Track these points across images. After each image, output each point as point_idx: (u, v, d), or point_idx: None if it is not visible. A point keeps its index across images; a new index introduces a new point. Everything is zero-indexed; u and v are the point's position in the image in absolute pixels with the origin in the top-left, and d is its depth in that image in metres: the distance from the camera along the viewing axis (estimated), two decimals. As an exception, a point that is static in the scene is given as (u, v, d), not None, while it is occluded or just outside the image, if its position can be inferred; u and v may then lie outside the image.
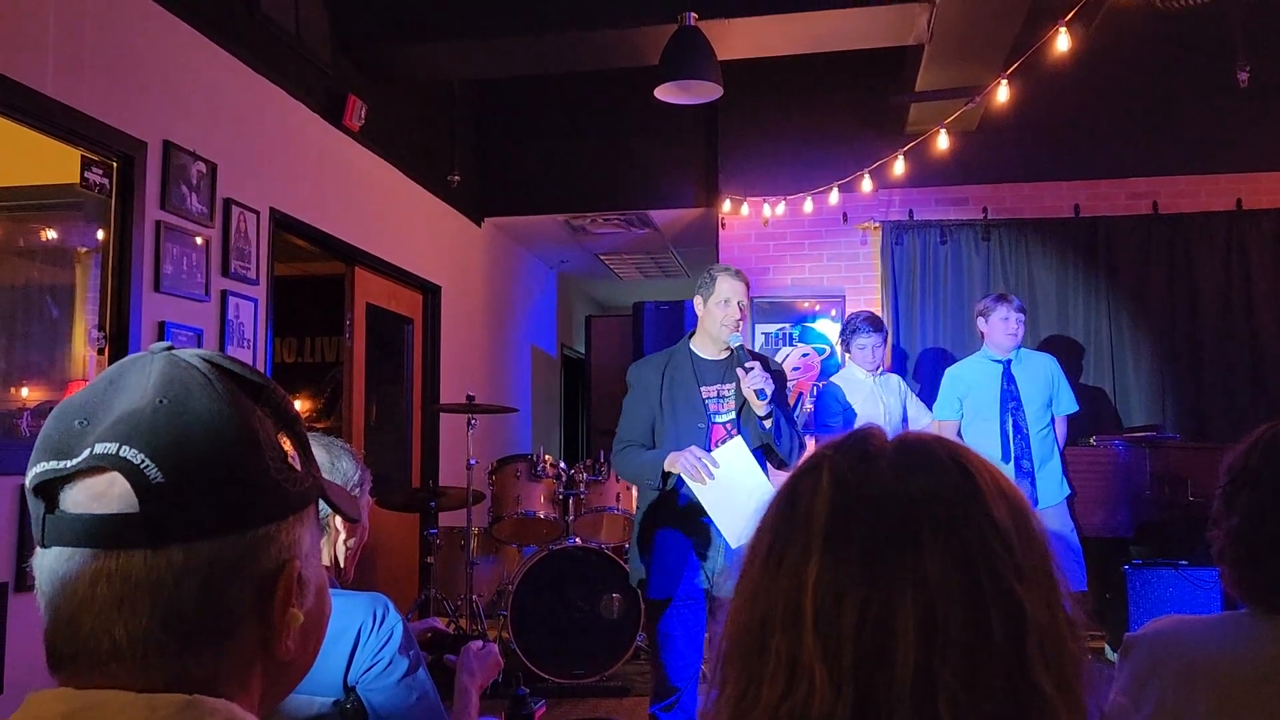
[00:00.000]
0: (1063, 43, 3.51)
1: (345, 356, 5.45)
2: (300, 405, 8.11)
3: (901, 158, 5.29)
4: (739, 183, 6.46)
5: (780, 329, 6.45)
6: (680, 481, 3.18)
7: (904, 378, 6.03)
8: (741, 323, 3.29)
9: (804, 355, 6.38)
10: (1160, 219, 5.99)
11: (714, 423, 3.25)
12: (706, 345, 3.32)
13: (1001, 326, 4.55)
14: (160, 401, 0.71)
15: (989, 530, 0.67)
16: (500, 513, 5.14)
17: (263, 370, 4.13)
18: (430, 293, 6.25)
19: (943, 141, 4.76)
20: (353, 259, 5.35)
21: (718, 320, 3.27)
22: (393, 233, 5.71)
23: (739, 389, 3.21)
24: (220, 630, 0.70)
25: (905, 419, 4.75)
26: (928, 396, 5.17)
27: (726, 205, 6.42)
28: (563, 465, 5.27)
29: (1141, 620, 4.87)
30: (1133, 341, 5.95)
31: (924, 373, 6.04)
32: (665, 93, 4.59)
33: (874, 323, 4.77)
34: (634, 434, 3.28)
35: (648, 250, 8.24)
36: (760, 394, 3.11)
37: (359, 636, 1.71)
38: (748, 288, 3.34)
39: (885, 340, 4.81)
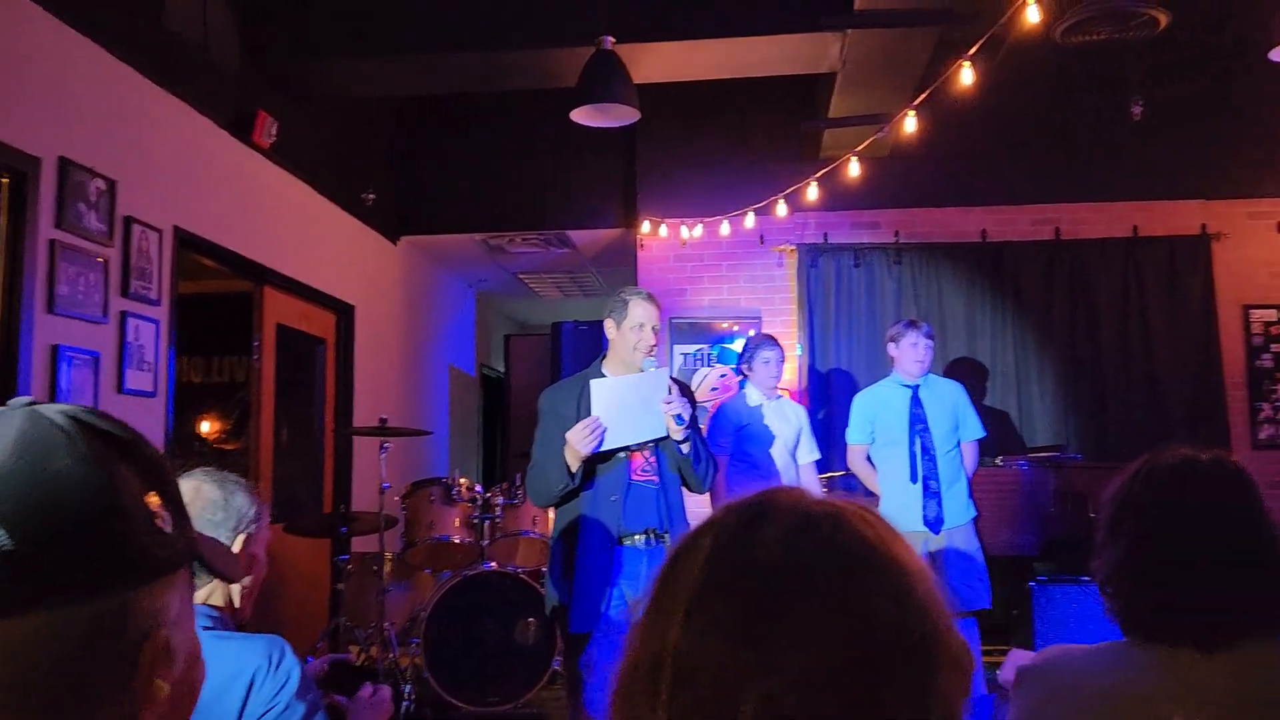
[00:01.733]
0: (966, 77, 3.62)
1: (253, 378, 5.31)
2: (208, 427, 7.86)
3: (815, 183, 5.37)
4: (657, 204, 6.49)
5: (698, 350, 6.49)
6: (594, 500, 3.18)
7: (818, 397, 6.12)
8: (655, 347, 3.28)
9: (721, 376, 6.43)
10: (1062, 244, 6.19)
11: (632, 449, 3.24)
12: (619, 369, 3.30)
13: (910, 353, 4.64)
14: (15, 461, 0.67)
15: (857, 619, 0.64)
16: (414, 538, 5.05)
17: (166, 387, 3.98)
18: (343, 312, 6.13)
19: (854, 169, 4.86)
20: (261, 278, 5.22)
21: (630, 345, 3.25)
22: (304, 251, 5.59)
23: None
24: (79, 704, 0.66)
25: (796, 451, 4.79)
26: (840, 418, 5.25)
27: (645, 226, 6.44)
28: (479, 489, 5.21)
29: (1047, 635, 5.00)
30: (1037, 363, 6.13)
31: (838, 393, 6.13)
32: (582, 115, 4.60)
33: (774, 339, 4.85)
34: (547, 457, 3.23)
35: (567, 270, 8.22)
36: (679, 419, 3.11)
37: (253, 682, 1.65)
38: (660, 310, 3.33)
39: (783, 360, 4.86)
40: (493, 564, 4.90)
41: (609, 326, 3.31)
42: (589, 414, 3.16)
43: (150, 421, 4.19)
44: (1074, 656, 1.61)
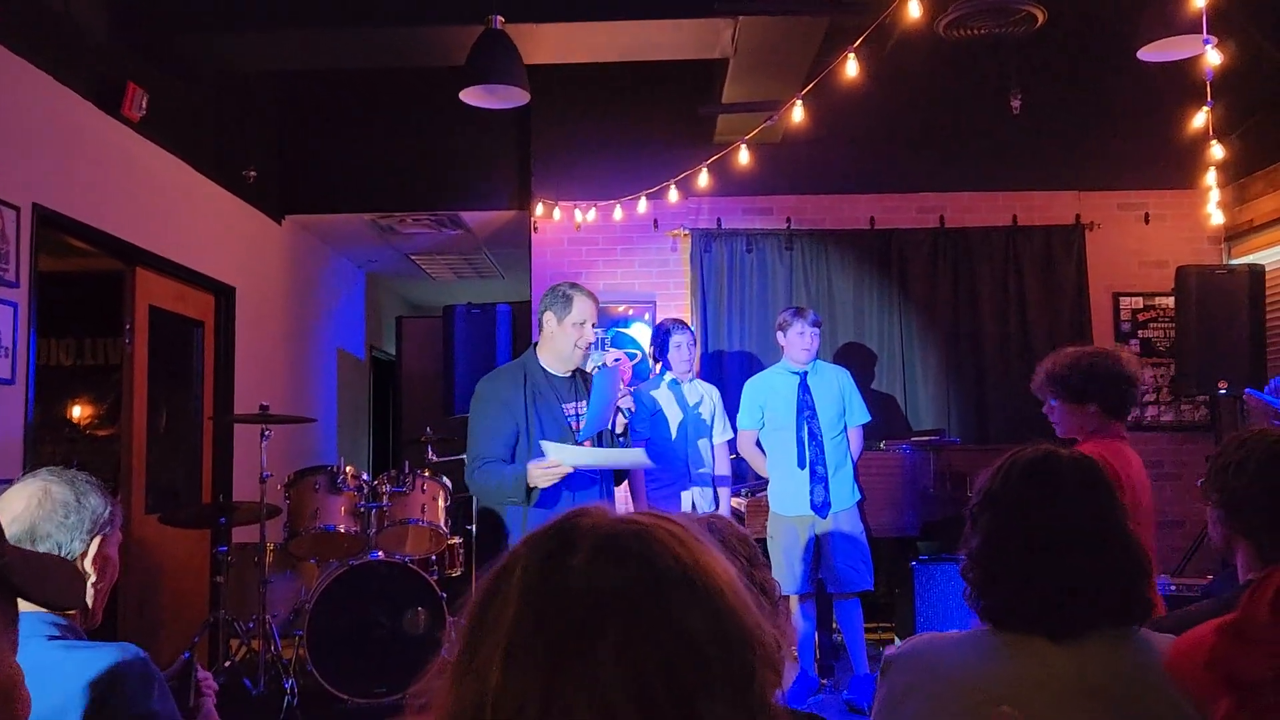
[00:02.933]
0: (851, 68, 3.66)
1: (125, 363, 5.07)
2: (81, 411, 7.51)
3: (709, 169, 5.39)
4: (552, 187, 6.43)
5: (596, 338, 6.46)
6: (545, 499, 3.18)
7: (713, 380, 6.17)
8: (591, 344, 3.32)
9: (615, 360, 6.41)
10: (946, 232, 6.36)
11: (579, 441, 3.26)
12: (553, 362, 3.31)
13: (798, 341, 4.72)
14: None
15: (671, 637, 0.64)
16: (297, 528, 4.91)
17: (27, 373, 3.76)
18: (223, 294, 5.91)
19: (743, 156, 4.89)
20: (133, 258, 4.98)
21: (571, 341, 3.27)
22: (180, 230, 5.35)
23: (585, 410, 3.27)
24: None
25: (710, 430, 4.85)
26: (734, 402, 5.30)
27: (539, 209, 6.38)
28: (365, 477, 5.09)
29: (928, 613, 5.16)
30: (921, 349, 6.30)
31: (730, 377, 6.19)
32: (471, 96, 4.50)
33: (685, 323, 4.93)
34: (495, 450, 3.21)
35: (461, 251, 8.09)
36: (627, 413, 3.22)
37: (103, 694, 1.57)
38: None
39: (695, 343, 4.92)
40: (380, 553, 4.80)
41: (548, 320, 3.31)
42: (533, 403, 3.20)
43: (7, 410, 3.97)
44: (936, 644, 1.65)
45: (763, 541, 5.02)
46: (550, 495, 3.19)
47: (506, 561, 0.71)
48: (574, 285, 3.36)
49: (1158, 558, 5.87)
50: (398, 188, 6.78)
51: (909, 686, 1.57)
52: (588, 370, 3.36)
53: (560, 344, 3.28)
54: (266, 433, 4.85)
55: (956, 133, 6.26)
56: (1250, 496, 1.71)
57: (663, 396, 4.79)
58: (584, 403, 3.30)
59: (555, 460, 3.06)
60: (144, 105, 4.77)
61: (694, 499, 4.67)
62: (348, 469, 5.00)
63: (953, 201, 6.40)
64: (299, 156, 6.72)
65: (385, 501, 4.98)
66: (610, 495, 3.36)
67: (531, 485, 3.10)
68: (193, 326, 5.71)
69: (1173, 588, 5.12)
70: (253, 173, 6.11)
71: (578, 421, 3.27)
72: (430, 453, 5.43)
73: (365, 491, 4.99)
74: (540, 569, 0.68)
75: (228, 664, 4.79)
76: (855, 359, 6.16)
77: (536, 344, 3.38)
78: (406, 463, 5.17)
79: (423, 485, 5.02)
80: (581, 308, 3.27)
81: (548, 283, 6.48)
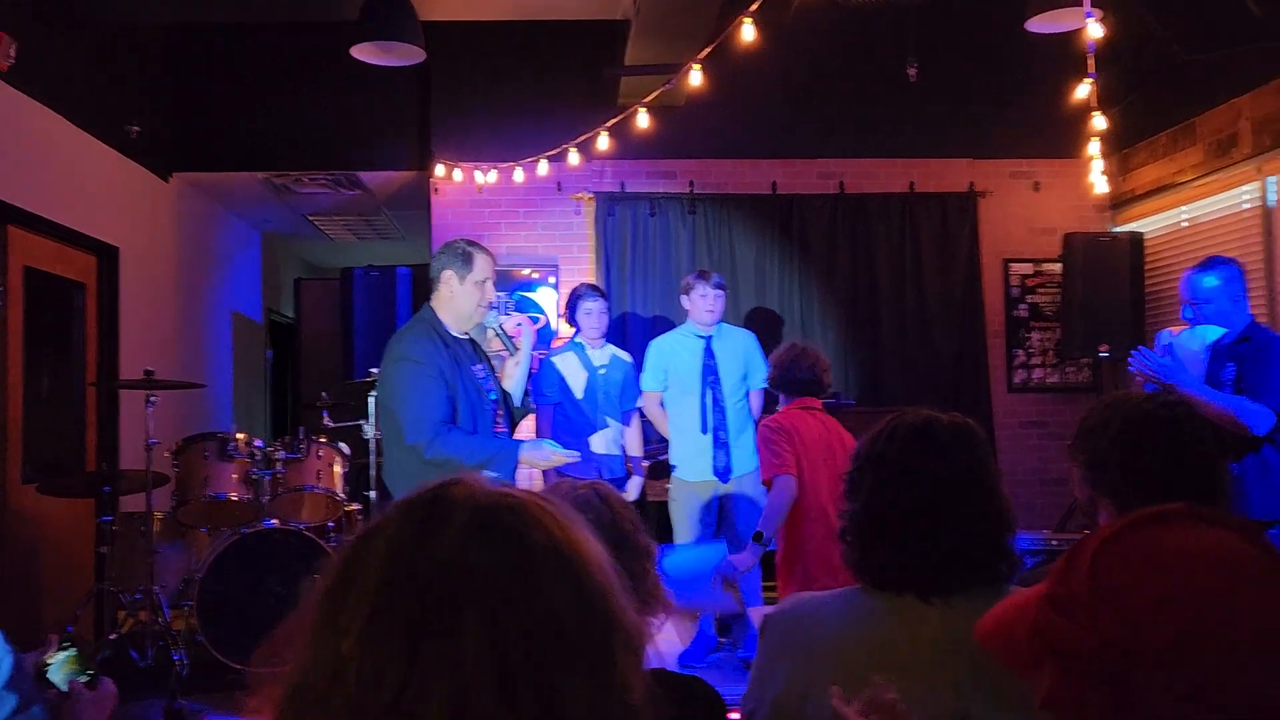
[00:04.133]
0: (748, 32, 3.66)
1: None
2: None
3: (606, 133, 5.35)
4: (452, 148, 6.31)
5: (496, 297, 6.38)
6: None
7: (616, 344, 6.17)
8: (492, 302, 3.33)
9: (518, 325, 6.36)
10: (845, 198, 6.46)
11: (493, 403, 3.26)
12: (453, 323, 3.26)
13: (701, 304, 4.74)
14: None
15: (535, 615, 0.64)
16: (186, 496, 4.77)
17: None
18: (105, 255, 5.65)
19: (643, 120, 4.86)
20: (4, 216, 4.73)
21: (474, 300, 3.23)
22: (56, 187, 5.09)
23: (491, 368, 3.30)
24: None
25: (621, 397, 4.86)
26: (638, 365, 5.31)
27: (439, 170, 6.25)
28: (258, 443, 4.97)
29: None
30: (821, 313, 6.40)
31: (634, 341, 6.20)
32: (363, 53, 4.38)
33: (598, 289, 4.89)
34: (443, 414, 3.12)
35: (360, 212, 7.90)
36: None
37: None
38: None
39: (608, 309, 4.90)
40: (274, 521, 4.71)
41: (448, 279, 3.23)
42: (455, 360, 3.17)
43: None
44: (811, 603, 1.69)
45: (665, 504, 5.07)
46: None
47: (375, 525, 0.70)
48: (471, 242, 3.31)
49: (1039, 513, 6.12)
50: (293, 146, 6.56)
51: (785, 647, 1.61)
52: (489, 330, 3.33)
53: (462, 304, 3.23)
54: (152, 399, 4.68)
55: (856, 100, 6.33)
56: (1111, 456, 1.78)
57: (570, 361, 4.78)
58: (483, 365, 3.28)
59: (562, 455, 3.21)
60: (12, 54, 4.50)
61: (598, 462, 4.68)
62: (239, 435, 4.87)
63: (852, 168, 6.49)
64: (188, 112, 6.44)
65: (279, 468, 4.87)
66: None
67: (525, 465, 3.16)
68: (73, 288, 5.46)
69: (1054, 543, 5.36)
70: (136, 128, 5.84)
71: (485, 383, 3.24)
72: (326, 418, 5.32)
73: (258, 458, 4.87)
74: (411, 537, 0.67)
75: (113, 636, 4.65)
76: (758, 322, 6.23)
77: (432, 305, 3.30)
78: (302, 429, 5.06)
79: (318, 451, 4.93)
80: (483, 265, 3.23)
81: (449, 245, 6.41)
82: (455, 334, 3.26)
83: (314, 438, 5.00)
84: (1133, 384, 3.62)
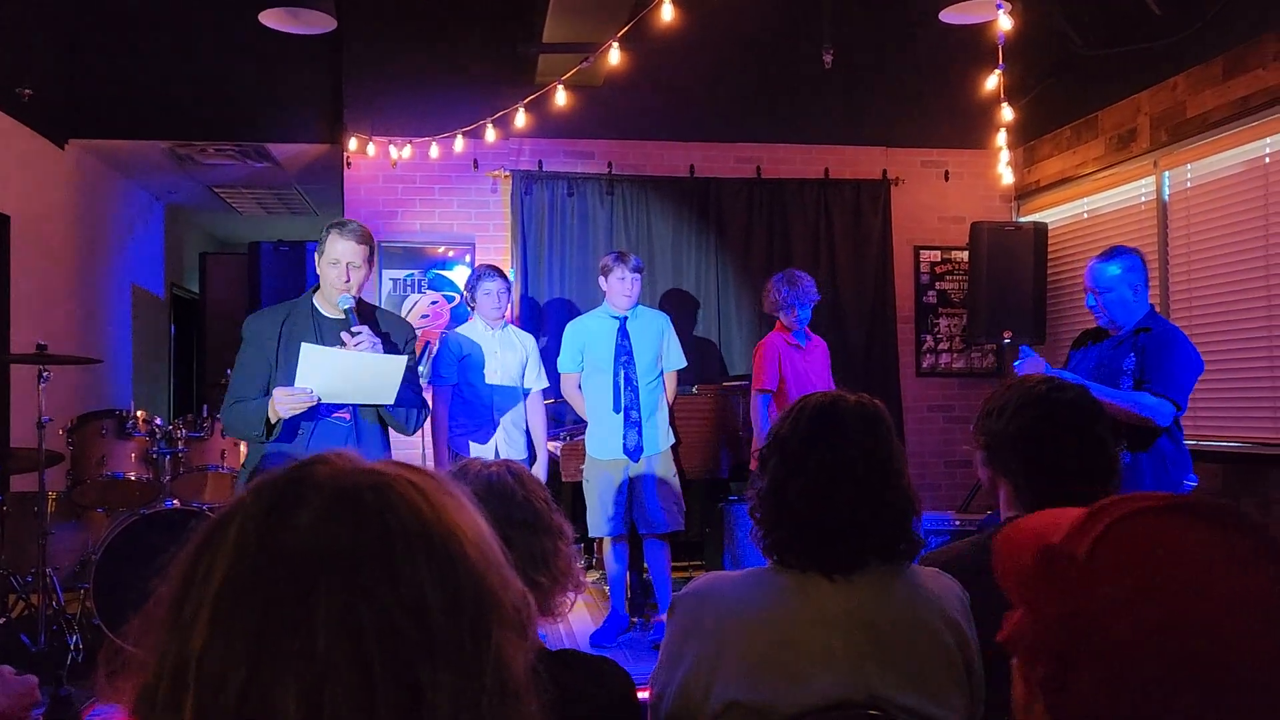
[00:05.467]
0: (667, 12, 3.66)
1: (-124, 297, 4.57)
2: None
3: (523, 110, 5.30)
4: (367, 121, 6.16)
5: (409, 275, 6.29)
6: (284, 435, 3.09)
7: (531, 325, 6.14)
8: (352, 284, 3.18)
9: (433, 303, 6.28)
10: (762, 182, 6.51)
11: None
12: (323, 302, 3.24)
13: (619, 286, 4.74)
14: None
15: (395, 603, 0.61)
16: (82, 475, 4.59)
17: None
18: (-5, 223, 5.39)
19: (560, 98, 4.82)
20: (-118, 180, 4.47)
21: (329, 281, 3.18)
22: (-60, 151, 4.83)
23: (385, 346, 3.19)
24: None
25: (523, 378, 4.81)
26: (555, 347, 5.29)
27: (353, 144, 6.11)
28: (159, 421, 4.80)
29: (737, 551, 5.37)
30: (736, 295, 6.46)
31: (550, 322, 6.17)
32: (271, 19, 4.24)
33: (500, 271, 4.81)
34: (247, 391, 3.12)
35: (270, 185, 7.67)
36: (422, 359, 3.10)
37: None
38: (369, 246, 3.24)
39: (509, 290, 4.83)
40: (175, 501, 4.56)
41: (318, 259, 3.23)
42: (287, 344, 3.10)
43: None
44: (720, 584, 1.70)
45: (580, 484, 5.07)
46: (289, 430, 3.12)
47: (228, 510, 0.66)
48: (339, 223, 3.25)
49: (944, 494, 6.29)
50: (198, 115, 6.33)
51: (693, 626, 1.62)
52: (343, 313, 3.24)
53: (324, 283, 3.22)
54: (45, 374, 4.49)
55: (774, 85, 6.38)
56: (1008, 439, 1.84)
57: (472, 342, 4.72)
58: (343, 346, 3.18)
59: (302, 388, 3.00)
60: (-109, 7, 4.24)
61: (498, 444, 4.65)
62: (139, 413, 4.70)
63: (769, 153, 6.55)
64: (86, 76, 6.16)
65: (181, 447, 4.72)
66: (366, 439, 3.25)
67: (273, 418, 3.04)
68: (-42, 258, 5.20)
69: (956, 523, 5.53)
70: (29, 91, 5.56)
71: None
72: (232, 396, 5.16)
73: (159, 437, 4.71)
74: (261, 523, 0.64)
75: (3, 620, 4.46)
76: (675, 304, 6.26)
77: (316, 286, 3.30)
78: (205, 407, 4.91)
79: (222, 430, 4.79)
80: (334, 248, 3.16)
81: (362, 221, 6.27)
82: (326, 314, 3.23)
83: (218, 416, 4.85)
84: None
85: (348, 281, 3.16)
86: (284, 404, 3.01)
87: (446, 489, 0.69)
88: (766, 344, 5.09)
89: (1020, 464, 1.81)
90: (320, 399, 3.04)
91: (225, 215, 8.92)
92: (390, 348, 3.24)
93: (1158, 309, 5.05)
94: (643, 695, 1.65)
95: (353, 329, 3.10)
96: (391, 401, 3.13)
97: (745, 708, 1.52)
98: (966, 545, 1.89)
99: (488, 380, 4.67)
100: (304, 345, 3.00)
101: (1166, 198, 5.42)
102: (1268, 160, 4.73)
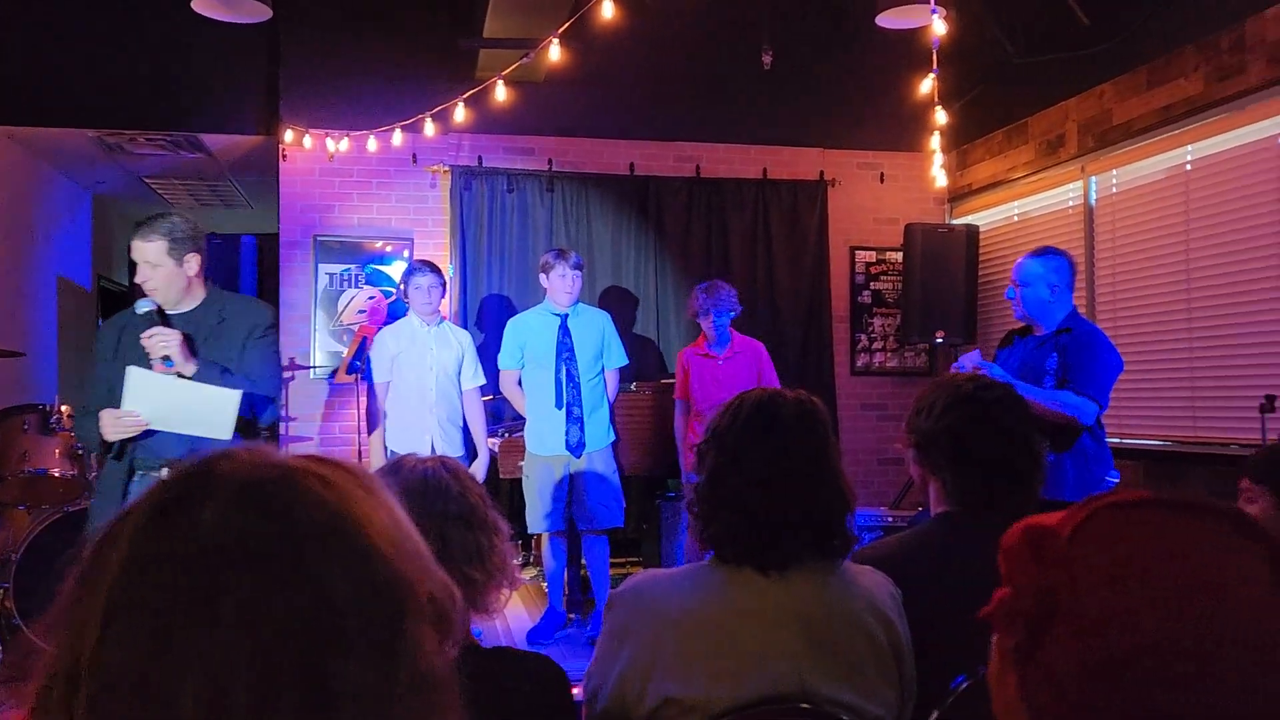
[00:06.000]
0: (608, 9, 3.66)
1: None
2: None
3: (463, 105, 5.26)
4: (303, 113, 6.06)
5: (346, 270, 6.21)
6: (138, 450, 2.95)
7: (470, 323, 6.10)
8: (152, 284, 2.98)
9: (370, 298, 6.21)
10: (702, 182, 6.55)
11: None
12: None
13: (560, 284, 4.75)
14: None
15: (302, 596, 0.59)
16: (3, 472, 4.46)
17: None
18: (-90, 212, 5.20)
19: (500, 93, 4.80)
20: None
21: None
22: None
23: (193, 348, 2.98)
24: None
25: (460, 375, 4.78)
26: (494, 343, 5.26)
27: (288, 136, 6.00)
28: (84, 417, 4.68)
29: (673, 547, 5.40)
30: (675, 294, 6.49)
31: (490, 319, 6.15)
32: (205, 6, 4.15)
33: (433, 266, 4.78)
34: (96, 400, 2.95)
35: (203, 177, 7.51)
36: (167, 362, 2.90)
37: None
38: (168, 240, 2.98)
39: (443, 285, 4.80)
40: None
41: None
42: (122, 345, 2.94)
43: None
44: (657, 581, 1.72)
45: (519, 480, 5.06)
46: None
47: (129, 506, 0.65)
48: (140, 221, 3.06)
49: (877, 491, 6.39)
50: (127, 103, 6.16)
51: (629, 624, 1.63)
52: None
53: None
54: (-37, 369, 4.35)
55: (714, 86, 6.42)
56: (937, 437, 1.88)
57: (407, 338, 4.69)
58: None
59: (130, 410, 2.83)
60: None
61: (433, 441, 4.62)
62: (63, 408, 4.57)
63: (708, 152, 6.59)
64: (9, 61, 5.95)
65: (108, 444, 4.60)
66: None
67: (106, 437, 2.87)
68: None
69: (889, 519, 5.62)
70: (-53, 74, 5.37)
71: (167, 367, 2.99)
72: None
73: (85, 434, 4.59)
74: (158, 519, 0.62)
75: (-82, 624, 4.31)
76: (615, 302, 6.27)
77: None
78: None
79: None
80: (135, 248, 2.99)
81: (298, 214, 6.19)
82: (169, 312, 3.04)
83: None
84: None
85: (146, 281, 2.98)
86: (110, 428, 2.84)
87: (361, 481, 0.69)
88: (679, 357, 5.27)
89: (948, 461, 1.86)
90: (149, 424, 2.85)
91: (156, 206, 8.69)
92: (222, 343, 3.03)
93: (1083, 310, 5.21)
94: (577, 692, 1.66)
95: (143, 332, 2.90)
96: (227, 436, 2.87)
97: (680, 703, 1.54)
98: (895, 542, 1.93)
99: (423, 377, 4.63)
100: (129, 369, 2.84)
101: (1093, 202, 5.58)
102: (1189, 167, 4.90)
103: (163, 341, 2.88)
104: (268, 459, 0.66)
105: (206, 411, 2.86)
